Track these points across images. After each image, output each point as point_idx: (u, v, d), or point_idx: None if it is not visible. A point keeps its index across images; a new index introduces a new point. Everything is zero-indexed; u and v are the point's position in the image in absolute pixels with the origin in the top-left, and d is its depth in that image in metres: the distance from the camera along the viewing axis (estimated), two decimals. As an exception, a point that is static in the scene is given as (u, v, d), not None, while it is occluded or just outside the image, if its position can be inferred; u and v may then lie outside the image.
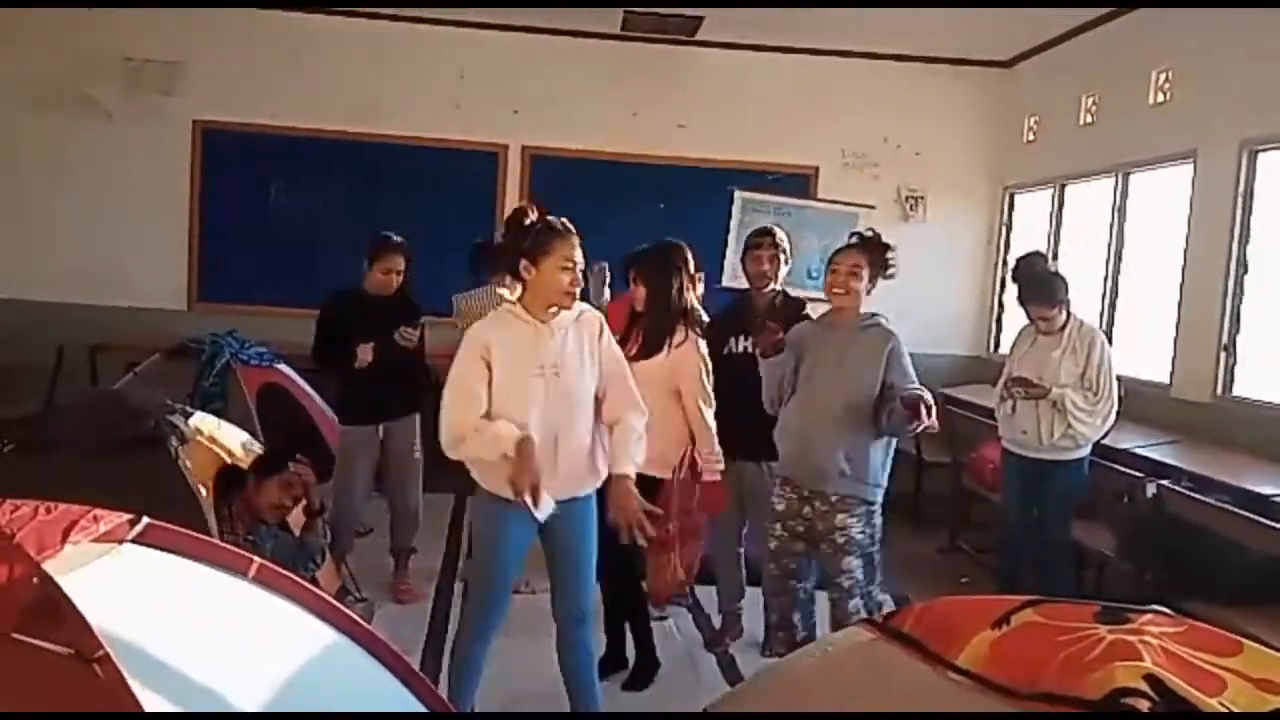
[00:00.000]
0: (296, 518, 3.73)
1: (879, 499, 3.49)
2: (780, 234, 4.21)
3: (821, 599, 3.67)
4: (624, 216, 6.18)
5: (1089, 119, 6.53)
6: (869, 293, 3.47)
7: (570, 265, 2.88)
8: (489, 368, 2.87)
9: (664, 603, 4.21)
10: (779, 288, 4.16)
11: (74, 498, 1.81)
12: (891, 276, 3.50)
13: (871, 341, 3.44)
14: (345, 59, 7.11)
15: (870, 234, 3.56)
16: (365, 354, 4.29)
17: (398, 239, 4.52)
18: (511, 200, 7.33)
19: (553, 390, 2.90)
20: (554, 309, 2.93)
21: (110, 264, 6.99)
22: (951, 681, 1.70)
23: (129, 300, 6.97)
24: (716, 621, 4.37)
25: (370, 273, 4.46)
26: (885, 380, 3.38)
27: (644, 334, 3.71)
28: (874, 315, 3.51)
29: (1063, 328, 4.39)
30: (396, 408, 4.52)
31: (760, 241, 4.17)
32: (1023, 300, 4.55)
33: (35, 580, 1.52)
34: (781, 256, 4.13)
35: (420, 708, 2.21)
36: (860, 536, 3.46)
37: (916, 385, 3.34)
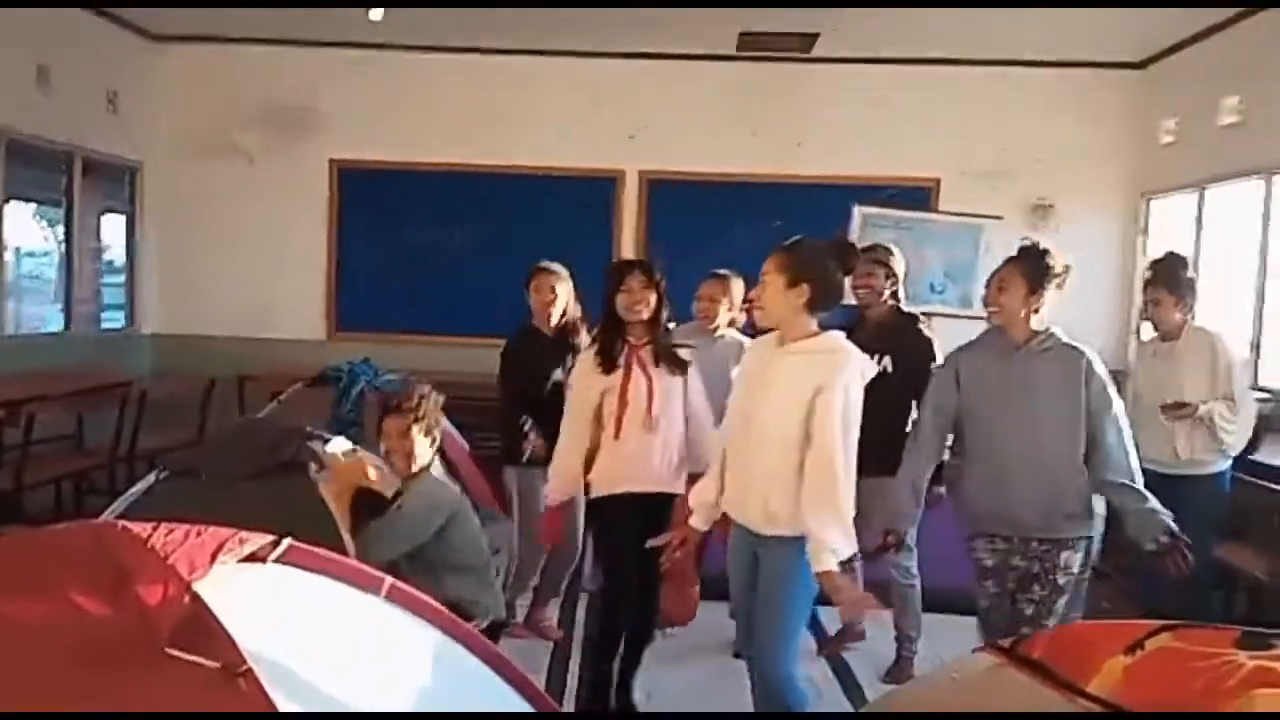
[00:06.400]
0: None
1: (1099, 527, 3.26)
2: (886, 249, 4.22)
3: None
4: (742, 238, 6.18)
5: (1233, 119, 6.20)
6: (1038, 309, 3.22)
7: None
8: None
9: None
10: (891, 302, 4.13)
11: (223, 520, 1.91)
12: (1060, 285, 3.23)
13: (1060, 364, 3.18)
14: (467, 94, 7.37)
15: (1028, 243, 3.32)
16: (529, 446, 4.20)
17: (547, 264, 4.44)
18: (629, 225, 7.44)
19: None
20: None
21: (256, 299, 7.42)
22: (1082, 709, 1.65)
23: (273, 332, 7.38)
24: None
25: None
26: (1089, 408, 3.11)
27: None
28: (1049, 332, 3.23)
29: (1179, 336, 4.16)
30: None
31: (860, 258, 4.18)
32: (1147, 283, 4.28)
33: (186, 599, 1.63)
34: (882, 271, 4.10)
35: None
36: (1077, 571, 3.20)
37: (1159, 516, 3.07)
